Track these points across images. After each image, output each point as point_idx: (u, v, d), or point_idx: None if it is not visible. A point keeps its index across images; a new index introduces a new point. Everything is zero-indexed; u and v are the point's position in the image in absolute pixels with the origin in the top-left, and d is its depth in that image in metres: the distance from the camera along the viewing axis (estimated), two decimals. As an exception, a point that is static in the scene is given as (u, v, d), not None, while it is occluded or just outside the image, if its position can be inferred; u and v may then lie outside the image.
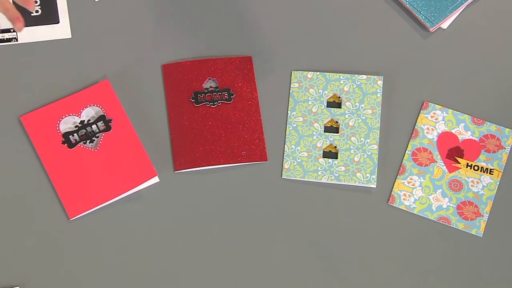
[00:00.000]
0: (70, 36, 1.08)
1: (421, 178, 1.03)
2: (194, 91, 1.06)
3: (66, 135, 1.02)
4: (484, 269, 1.00)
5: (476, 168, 1.03)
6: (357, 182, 1.02)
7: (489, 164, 1.03)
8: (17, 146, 1.02)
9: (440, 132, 1.05)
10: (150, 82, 1.06)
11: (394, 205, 1.02)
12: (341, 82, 1.06)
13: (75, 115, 1.03)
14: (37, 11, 1.08)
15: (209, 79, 1.06)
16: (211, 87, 1.06)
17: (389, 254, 1.00)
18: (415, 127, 1.05)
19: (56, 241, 0.99)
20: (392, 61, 1.09)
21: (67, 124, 1.03)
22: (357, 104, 1.05)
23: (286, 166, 1.03)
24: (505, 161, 1.04)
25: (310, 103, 1.06)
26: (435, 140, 1.05)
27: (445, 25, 1.11)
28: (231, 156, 1.02)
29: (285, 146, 1.04)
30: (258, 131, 1.04)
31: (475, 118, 1.06)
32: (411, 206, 1.02)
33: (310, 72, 1.07)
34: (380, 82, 1.06)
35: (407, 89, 1.07)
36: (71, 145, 1.01)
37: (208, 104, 1.05)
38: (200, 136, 1.03)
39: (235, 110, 1.05)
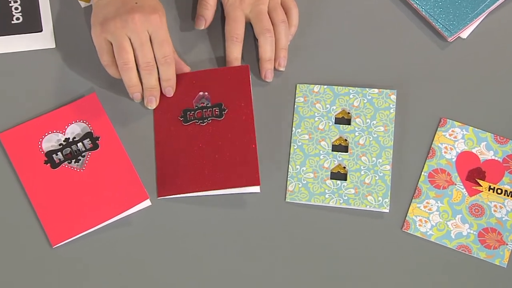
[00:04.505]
0: (54, 46, 1.06)
1: (439, 202, 1.00)
2: (184, 109, 1.01)
3: (49, 154, 1.00)
4: (509, 304, 0.97)
5: (499, 191, 1.00)
6: (368, 206, 0.99)
7: (514, 188, 1.01)
8: (-5, 166, 1.00)
9: (459, 151, 1.02)
10: (141, 96, 1.04)
11: (408, 231, 0.99)
12: (351, 96, 1.04)
13: (59, 132, 1.01)
14: (18, 18, 1.06)
15: (201, 93, 1.02)
16: (202, 103, 1.02)
17: (403, 286, 0.97)
18: (432, 146, 1.02)
19: (37, 270, 0.96)
20: (407, 74, 1.06)
21: (50, 142, 1.01)
22: (368, 120, 1.03)
23: (290, 188, 1.00)
24: (531, 184, 1.01)
25: (316, 119, 1.03)
26: (453, 160, 1.02)
27: (464, 34, 1.09)
28: (220, 181, 0.97)
29: (289, 166, 1.01)
30: (251, 152, 0.98)
31: (498, 137, 1.03)
32: (428, 233, 0.98)
33: (317, 85, 1.05)
34: (393, 97, 1.04)
35: (423, 105, 1.05)
36: (54, 165, 0.99)
37: (197, 122, 1.01)
38: (187, 159, 0.99)
39: (226, 128, 1.00)
